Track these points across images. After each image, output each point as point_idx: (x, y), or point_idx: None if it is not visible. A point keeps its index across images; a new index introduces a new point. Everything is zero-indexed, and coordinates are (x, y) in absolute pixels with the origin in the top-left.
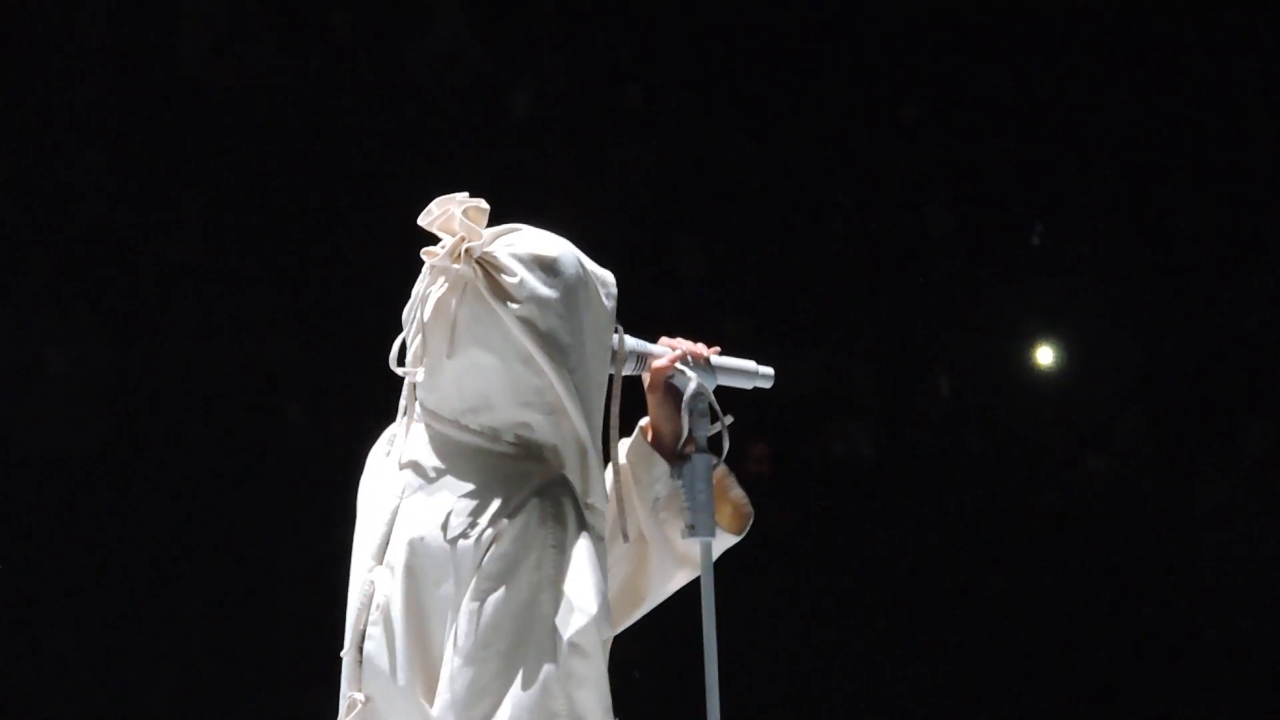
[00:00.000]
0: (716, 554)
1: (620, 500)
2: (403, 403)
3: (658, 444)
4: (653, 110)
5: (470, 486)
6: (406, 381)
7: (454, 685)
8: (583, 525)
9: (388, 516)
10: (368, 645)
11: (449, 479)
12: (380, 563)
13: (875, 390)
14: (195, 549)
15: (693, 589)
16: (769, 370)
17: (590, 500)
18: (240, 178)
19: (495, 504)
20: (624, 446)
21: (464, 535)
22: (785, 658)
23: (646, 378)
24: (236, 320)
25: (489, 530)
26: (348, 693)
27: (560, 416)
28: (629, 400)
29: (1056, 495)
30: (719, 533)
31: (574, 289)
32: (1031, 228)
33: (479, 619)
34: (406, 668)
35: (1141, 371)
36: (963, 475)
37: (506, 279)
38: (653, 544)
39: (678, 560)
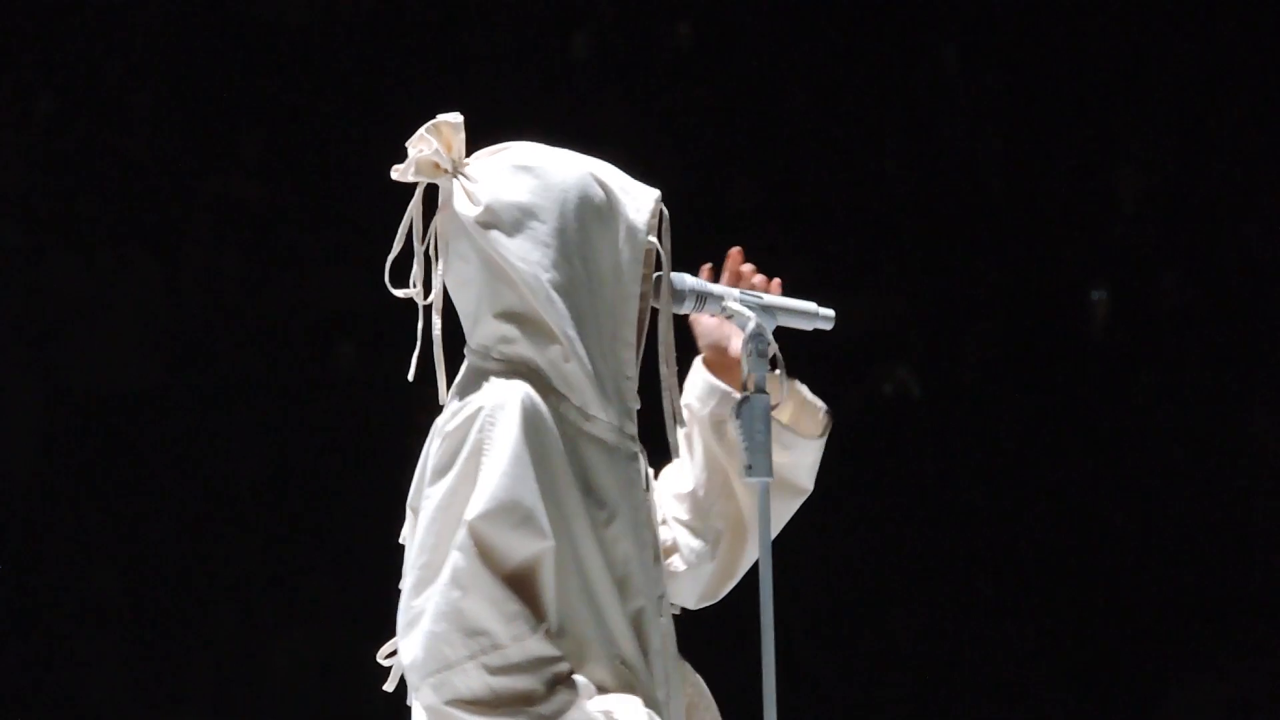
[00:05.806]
0: (809, 467)
1: (679, 416)
2: (419, 326)
3: (719, 376)
4: (704, 48)
5: (452, 410)
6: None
7: (401, 610)
8: (534, 428)
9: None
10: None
11: (450, 405)
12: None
13: (923, 332)
14: (246, 490)
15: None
16: (829, 312)
17: (592, 412)
18: (296, 116)
19: (452, 419)
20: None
21: (426, 458)
22: (840, 600)
23: (705, 318)
24: (292, 259)
25: (435, 445)
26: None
27: (537, 327)
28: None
29: (1108, 429)
30: (806, 442)
31: (562, 198)
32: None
33: (414, 536)
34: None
35: (1179, 314)
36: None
37: (468, 185)
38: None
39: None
